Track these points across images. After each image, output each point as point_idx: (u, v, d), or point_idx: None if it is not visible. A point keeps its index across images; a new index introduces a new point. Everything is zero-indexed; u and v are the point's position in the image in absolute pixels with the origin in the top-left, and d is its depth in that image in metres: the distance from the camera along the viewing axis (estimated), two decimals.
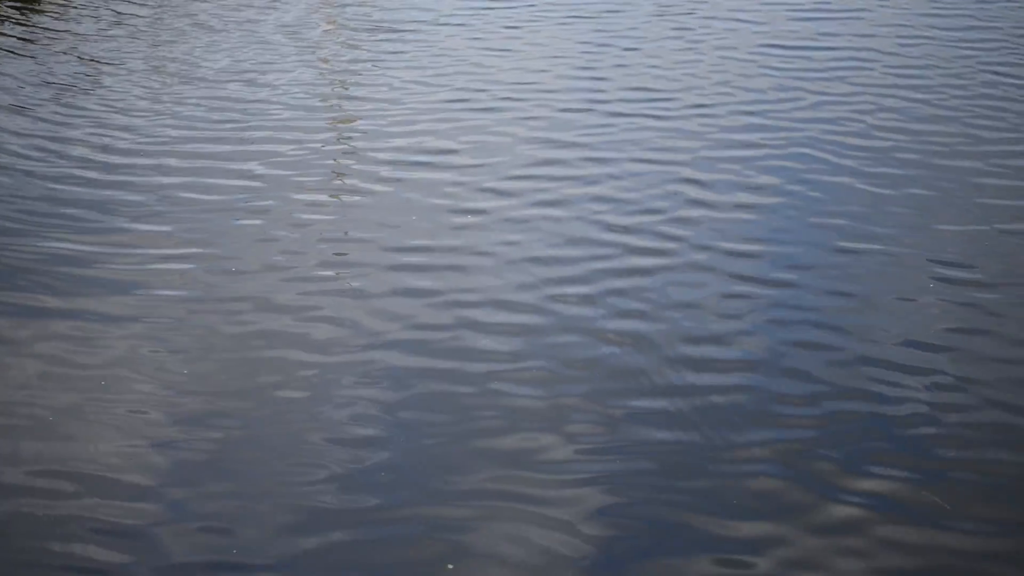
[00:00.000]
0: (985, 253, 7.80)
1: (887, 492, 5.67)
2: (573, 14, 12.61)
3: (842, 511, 5.55)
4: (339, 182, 8.85)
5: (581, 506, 5.57)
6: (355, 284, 7.38)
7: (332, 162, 9.17)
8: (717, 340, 6.83)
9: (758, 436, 6.04)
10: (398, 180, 8.84)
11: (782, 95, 10.42)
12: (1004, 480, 5.77)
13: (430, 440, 6.03)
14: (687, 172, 8.93)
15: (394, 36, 12.02)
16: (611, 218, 8.18)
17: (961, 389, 6.42)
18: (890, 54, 11.36)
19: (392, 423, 6.14)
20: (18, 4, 12.76)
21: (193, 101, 10.36)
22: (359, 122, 9.98)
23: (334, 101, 10.48)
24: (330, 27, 12.44)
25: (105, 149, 9.33)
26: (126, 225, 8.14)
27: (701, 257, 7.72)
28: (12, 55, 11.43)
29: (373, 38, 11.98)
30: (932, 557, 5.32)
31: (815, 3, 12.86)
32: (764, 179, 8.87)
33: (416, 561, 5.29)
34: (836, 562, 5.28)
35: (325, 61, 11.47)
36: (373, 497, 5.63)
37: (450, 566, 5.27)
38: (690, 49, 11.57)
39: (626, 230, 8.01)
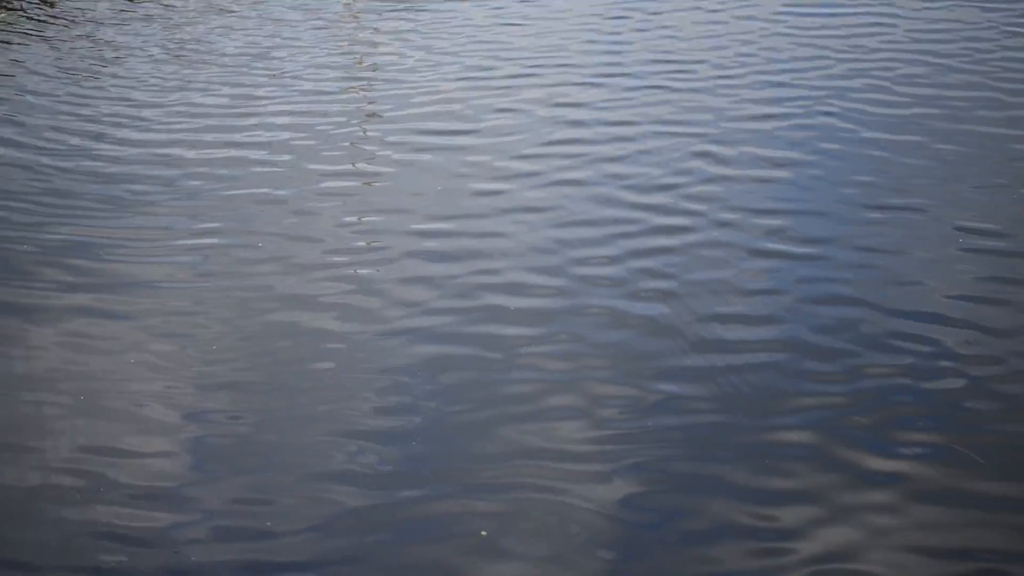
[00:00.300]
0: (1012, 215, 7.73)
1: (919, 452, 5.60)
2: None
3: (875, 475, 5.49)
4: (358, 162, 8.75)
5: (610, 487, 5.48)
6: (376, 266, 7.27)
7: (350, 142, 9.07)
8: (746, 312, 6.74)
9: (790, 410, 5.94)
10: (417, 158, 8.75)
11: (804, 61, 10.30)
12: None
13: (455, 425, 5.94)
14: (710, 141, 8.84)
15: (409, 12, 11.90)
16: (634, 191, 8.07)
17: (990, 347, 6.35)
18: (911, 17, 11.23)
19: (416, 408, 6.04)
20: None
21: (209, 84, 10.27)
22: (377, 101, 9.88)
23: (351, 80, 10.38)
24: (345, 4, 12.31)
25: (120, 134, 9.24)
26: (142, 211, 8.06)
27: (726, 228, 7.63)
28: (26, 41, 11.35)
29: (388, 15, 11.86)
30: (969, 527, 5.23)
31: None
32: (788, 147, 8.79)
33: (446, 526, 5.23)
34: (869, 526, 5.21)
35: (341, 40, 11.36)
36: (400, 484, 5.54)
37: (483, 532, 5.22)
38: (710, 16, 11.44)
39: (650, 203, 7.90)
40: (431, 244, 7.50)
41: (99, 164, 8.73)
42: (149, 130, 9.33)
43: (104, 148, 9.02)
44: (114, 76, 10.49)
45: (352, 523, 5.30)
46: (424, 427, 5.89)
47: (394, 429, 5.89)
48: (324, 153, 8.86)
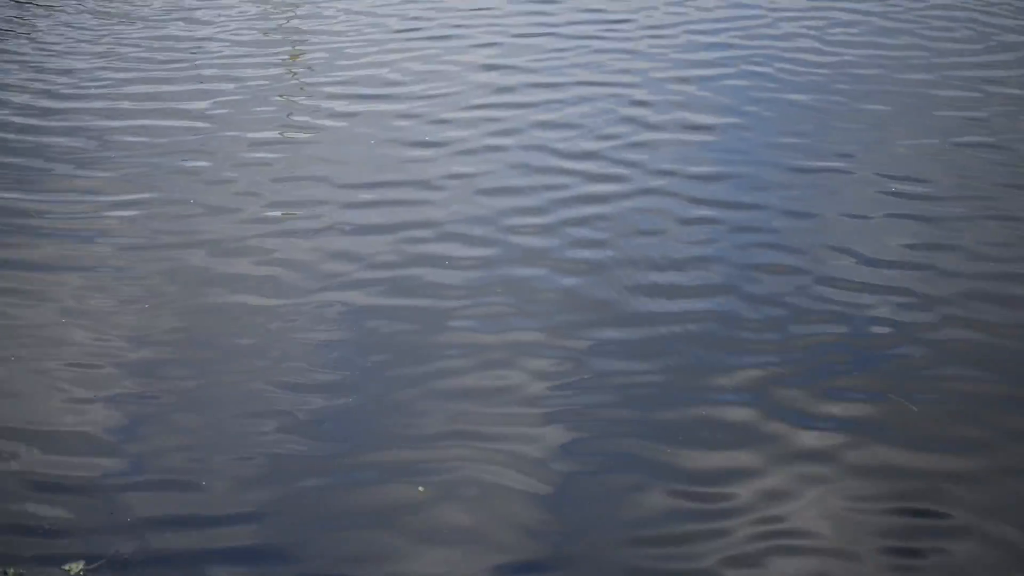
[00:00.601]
0: (940, 167, 7.80)
1: (853, 416, 5.62)
2: None
3: (809, 438, 5.49)
4: (288, 119, 8.65)
5: (546, 441, 5.47)
6: (301, 236, 7.15)
7: (280, 99, 8.96)
8: (678, 267, 6.74)
9: (723, 364, 5.96)
10: (348, 115, 8.67)
11: (735, 20, 10.27)
12: (967, 397, 5.77)
13: (390, 381, 5.87)
14: (641, 96, 8.84)
15: None
16: (564, 156, 8.00)
17: (923, 306, 6.38)
18: None
19: (351, 366, 5.98)
20: None
21: (134, 42, 10.12)
22: (306, 56, 9.76)
23: (280, 36, 10.26)
24: None
25: (45, 94, 9.08)
26: (69, 172, 7.91)
27: (659, 182, 7.62)
28: None
29: None
30: (898, 480, 5.26)
31: None
32: (719, 101, 8.79)
33: (381, 504, 5.15)
34: (804, 490, 5.21)
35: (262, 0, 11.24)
36: (334, 443, 5.49)
37: (420, 488, 5.19)
38: None
39: (580, 168, 7.84)
40: (356, 213, 7.38)
41: (27, 122, 8.59)
42: (76, 88, 9.18)
43: (31, 106, 8.86)
44: (39, 33, 10.32)
45: (284, 508, 5.18)
46: (359, 380, 5.83)
47: (329, 383, 5.84)
48: (256, 108, 8.74)
